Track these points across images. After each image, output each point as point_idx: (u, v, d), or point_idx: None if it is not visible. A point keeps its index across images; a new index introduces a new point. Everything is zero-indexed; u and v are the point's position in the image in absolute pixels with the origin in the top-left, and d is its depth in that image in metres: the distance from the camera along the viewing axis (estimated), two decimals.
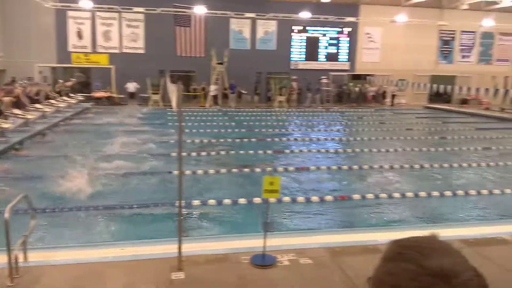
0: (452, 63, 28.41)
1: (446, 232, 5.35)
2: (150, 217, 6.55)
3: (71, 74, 23.94)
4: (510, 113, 22.28)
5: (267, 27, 25.60)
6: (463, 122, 18.98)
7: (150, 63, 23.32)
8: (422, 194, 7.78)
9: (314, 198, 7.45)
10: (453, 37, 28.15)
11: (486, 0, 25.55)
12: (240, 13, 24.68)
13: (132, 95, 23.41)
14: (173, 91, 4.87)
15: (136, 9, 23.65)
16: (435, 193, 7.83)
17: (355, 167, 10.08)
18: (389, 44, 26.76)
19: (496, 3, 25.81)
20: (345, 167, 10.06)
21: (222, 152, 11.41)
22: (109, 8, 23.47)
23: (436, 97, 26.93)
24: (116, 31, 23.97)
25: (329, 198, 7.48)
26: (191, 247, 4.70)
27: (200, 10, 23.62)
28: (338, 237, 5.35)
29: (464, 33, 28.07)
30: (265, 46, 25.67)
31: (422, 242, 0.80)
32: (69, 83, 21.70)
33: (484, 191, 8.02)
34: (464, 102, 26.69)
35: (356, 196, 7.56)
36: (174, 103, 4.84)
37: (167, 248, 4.68)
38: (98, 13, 23.58)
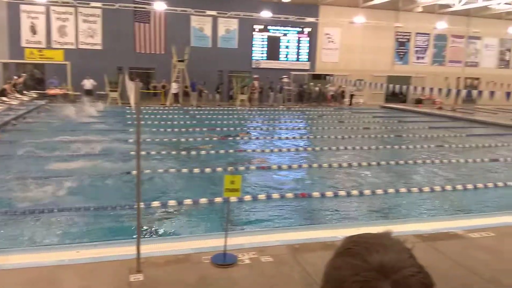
0: (407, 64, 29.37)
1: (401, 228, 5.53)
2: (107, 218, 6.39)
3: (24, 70, 22.96)
4: (461, 112, 23.31)
5: (229, 25, 25.50)
6: (417, 121, 19.65)
7: (108, 60, 22.72)
8: (379, 191, 7.99)
9: (275, 196, 7.50)
10: (408, 39, 29.10)
11: (440, 3, 26.55)
12: (201, 10, 24.47)
13: (88, 93, 22.59)
14: (132, 88, 4.78)
15: (93, 3, 22.92)
16: (391, 190, 8.07)
17: (315, 165, 10.27)
18: (348, 44, 27.33)
19: (449, 6, 26.88)
20: (305, 165, 10.23)
21: (183, 152, 11.28)
22: (64, 2, 22.66)
23: (392, 97, 27.74)
24: (72, 26, 23.14)
25: (289, 195, 7.56)
26: (150, 248, 4.62)
27: (160, 6, 23.22)
28: (298, 234, 5.41)
29: (419, 35, 29.09)
30: (226, 44, 25.58)
31: (372, 238, 0.80)
32: (20, 79, 20.82)
33: (437, 187, 8.34)
34: (418, 101, 27.65)
35: (316, 194, 7.68)
36: (132, 101, 4.75)
37: (125, 250, 4.58)
38: (53, 8, 22.68)
